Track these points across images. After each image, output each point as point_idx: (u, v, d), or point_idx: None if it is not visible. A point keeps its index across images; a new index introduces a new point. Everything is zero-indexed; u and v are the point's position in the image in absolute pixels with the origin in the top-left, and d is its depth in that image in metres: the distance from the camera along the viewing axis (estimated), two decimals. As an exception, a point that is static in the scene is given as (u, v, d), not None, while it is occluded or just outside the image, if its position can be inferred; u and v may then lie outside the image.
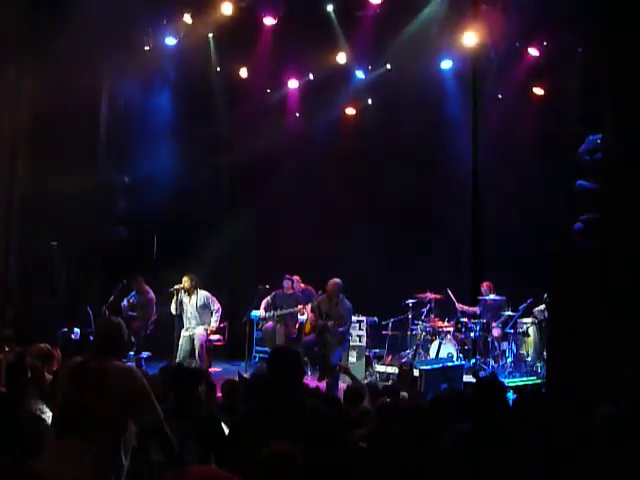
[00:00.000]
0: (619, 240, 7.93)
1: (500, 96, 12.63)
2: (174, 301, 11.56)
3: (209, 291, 11.86)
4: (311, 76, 13.84)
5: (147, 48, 11.88)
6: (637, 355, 7.18)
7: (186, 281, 11.50)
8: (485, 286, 12.58)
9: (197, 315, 11.57)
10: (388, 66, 13.24)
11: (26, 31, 10.63)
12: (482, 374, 11.30)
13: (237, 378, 6.79)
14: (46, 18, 10.56)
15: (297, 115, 14.99)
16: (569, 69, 11.64)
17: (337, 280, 10.95)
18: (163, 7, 11.48)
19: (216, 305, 11.71)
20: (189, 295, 11.58)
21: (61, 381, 4.54)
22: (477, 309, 12.65)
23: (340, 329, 10.65)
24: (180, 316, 11.70)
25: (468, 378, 10.42)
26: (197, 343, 11.39)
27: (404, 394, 7.30)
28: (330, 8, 11.40)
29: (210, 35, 12.02)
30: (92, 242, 12.11)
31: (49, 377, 6.54)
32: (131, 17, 11.17)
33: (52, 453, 4.28)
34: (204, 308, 11.62)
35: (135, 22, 11.43)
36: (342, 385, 10.11)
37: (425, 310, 12.71)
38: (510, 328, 12.23)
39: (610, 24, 7.76)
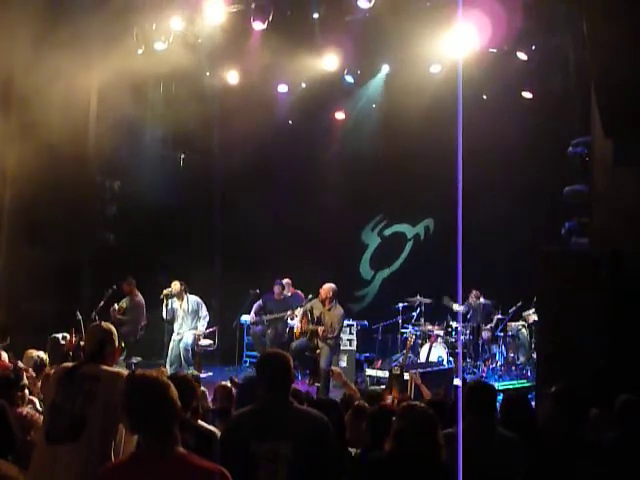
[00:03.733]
0: (610, 241, 7.96)
1: (485, 97, 12.66)
2: (164, 306, 11.60)
3: (199, 296, 11.92)
4: (303, 85, 13.86)
5: (140, 52, 11.88)
6: (629, 358, 7.21)
7: (175, 285, 11.58)
8: (473, 294, 12.65)
9: (189, 320, 11.63)
10: (384, 70, 13.33)
11: (16, 32, 10.60)
12: (471, 377, 11.36)
13: (229, 383, 6.77)
14: (34, 20, 10.54)
15: (290, 122, 14.99)
16: (558, 73, 11.70)
17: (332, 285, 10.94)
18: (152, 12, 11.46)
19: (204, 311, 11.81)
20: (179, 299, 11.65)
21: (51, 387, 4.53)
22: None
23: (330, 335, 10.66)
24: (171, 321, 11.74)
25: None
26: (182, 347, 11.45)
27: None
28: (316, 15, 11.40)
29: (200, 40, 11.99)
30: (82, 247, 12.09)
31: (39, 384, 6.55)
32: (122, 20, 11.16)
33: (42, 458, 4.28)
34: (195, 313, 11.70)
35: (126, 25, 11.42)
36: (333, 390, 10.13)
37: (415, 314, 12.75)
38: (500, 331, 12.29)
39: (597, 26, 7.79)
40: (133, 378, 3.34)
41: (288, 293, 13.11)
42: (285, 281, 13.17)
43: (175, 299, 11.72)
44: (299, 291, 13.22)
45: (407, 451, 4.01)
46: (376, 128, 14.27)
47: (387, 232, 15.50)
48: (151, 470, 3.07)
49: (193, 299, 11.79)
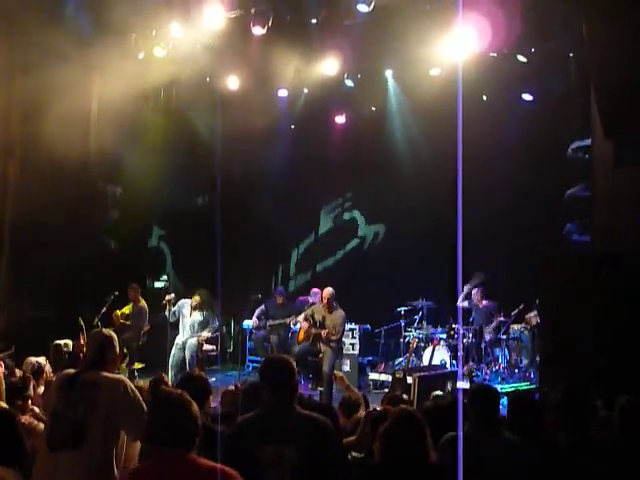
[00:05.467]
0: (611, 242, 7.97)
1: (485, 97, 12.66)
2: (167, 310, 11.60)
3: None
4: (303, 89, 13.88)
5: (140, 56, 11.91)
6: (630, 358, 7.21)
7: (195, 299, 11.61)
8: (476, 292, 12.63)
9: (195, 328, 11.59)
10: (387, 74, 13.36)
11: (17, 38, 10.62)
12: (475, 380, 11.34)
13: (234, 388, 6.77)
14: (36, 24, 10.57)
15: (292, 127, 14.98)
16: (558, 75, 11.72)
17: (330, 289, 11.06)
18: (152, 18, 11.47)
19: (216, 323, 11.76)
20: (197, 311, 11.62)
21: (52, 393, 4.53)
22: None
23: (333, 337, 10.69)
24: (174, 324, 11.72)
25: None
26: (188, 353, 11.42)
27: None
28: (315, 20, 11.41)
29: (199, 46, 12.00)
30: (83, 253, 12.09)
31: (41, 390, 6.55)
32: (122, 27, 11.18)
33: (43, 465, 4.27)
34: (204, 325, 11.66)
35: (126, 32, 11.44)
36: (336, 394, 10.12)
37: (417, 317, 12.74)
38: (503, 334, 12.27)
39: (596, 27, 7.79)
40: (159, 395, 3.72)
41: (318, 300, 12.95)
42: (315, 290, 13.07)
43: (189, 307, 11.69)
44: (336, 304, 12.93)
45: (392, 453, 4.02)
46: (377, 130, 14.27)
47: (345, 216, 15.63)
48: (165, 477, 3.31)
49: (207, 313, 11.75)
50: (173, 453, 3.35)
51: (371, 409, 5.75)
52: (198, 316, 11.64)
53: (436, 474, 4.04)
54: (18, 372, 6.45)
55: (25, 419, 5.21)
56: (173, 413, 3.43)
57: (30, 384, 5.96)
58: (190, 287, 11.96)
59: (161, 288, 12.75)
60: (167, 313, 11.64)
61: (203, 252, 14.47)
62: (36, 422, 5.14)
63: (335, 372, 9.64)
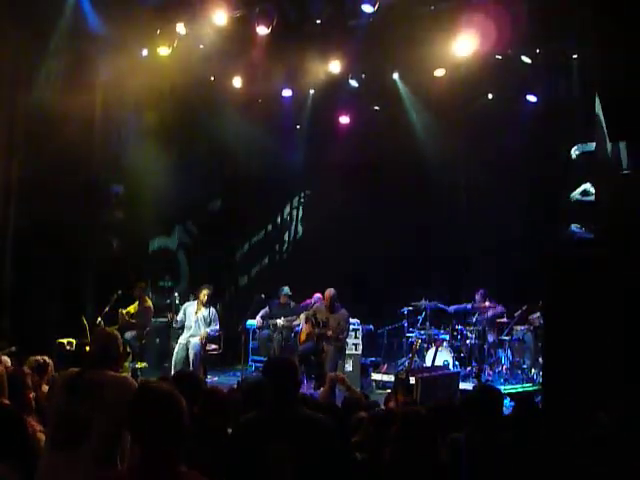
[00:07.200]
0: (615, 243, 7.96)
1: (490, 97, 12.64)
2: (172, 314, 11.65)
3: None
4: (307, 89, 13.89)
5: (144, 54, 11.93)
6: (633, 361, 7.20)
7: (205, 292, 11.70)
8: (479, 294, 12.61)
9: (202, 328, 11.62)
10: (394, 77, 13.37)
11: (22, 37, 10.64)
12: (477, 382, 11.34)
13: (236, 386, 6.78)
14: (41, 23, 10.59)
15: (298, 127, 14.98)
16: (562, 77, 11.72)
17: (332, 290, 11.15)
18: (157, 17, 11.49)
19: (217, 325, 11.80)
20: (200, 307, 11.65)
21: (56, 392, 4.53)
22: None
23: (340, 336, 10.75)
24: (180, 328, 11.74)
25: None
26: (192, 352, 11.44)
27: None
28: (320, 20, 11.42)
29: (203, 45, 12.01)
30: (86, 253, 12.11)
31: (45, 388, 6.56)
32: (126, 26, 11.20)
33: (46, 465, 4.27)
34: (209, 322, 11.71)
35: (130, 31, 11.46)
36: (339, 394, 10.13)
37: (421, 318, 12.73)
38: (506, 335, 12.25)
39: (603, 29, 7.79)
40: (142, 388, 3.26)
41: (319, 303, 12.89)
42: (318, 296, 12.87)
43: (195, 305, 11.73)
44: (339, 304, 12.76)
45: (404, 453, 4.03)
46: (380, 131, 14.27)
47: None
48: None
49: (212, 311, 11.82)
50: (152, 455, 2.93)
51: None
52: (204, 311, 11.69)
53: (446, 474, 4.05)
54: (27, 369, 6.43)
55: (27, 420, 5.20)
56: (154, 407, 3.02)
57: (26, 378, 5.93)
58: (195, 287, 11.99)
59: (165, 287, 12.75)
60: (169, 316, 11.67)
61: (207, 253, 14.54)
62: (34, 422, 5.12)
63: (337, 374, 9.65)
